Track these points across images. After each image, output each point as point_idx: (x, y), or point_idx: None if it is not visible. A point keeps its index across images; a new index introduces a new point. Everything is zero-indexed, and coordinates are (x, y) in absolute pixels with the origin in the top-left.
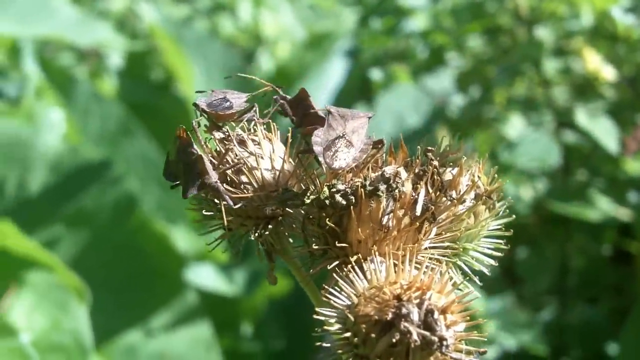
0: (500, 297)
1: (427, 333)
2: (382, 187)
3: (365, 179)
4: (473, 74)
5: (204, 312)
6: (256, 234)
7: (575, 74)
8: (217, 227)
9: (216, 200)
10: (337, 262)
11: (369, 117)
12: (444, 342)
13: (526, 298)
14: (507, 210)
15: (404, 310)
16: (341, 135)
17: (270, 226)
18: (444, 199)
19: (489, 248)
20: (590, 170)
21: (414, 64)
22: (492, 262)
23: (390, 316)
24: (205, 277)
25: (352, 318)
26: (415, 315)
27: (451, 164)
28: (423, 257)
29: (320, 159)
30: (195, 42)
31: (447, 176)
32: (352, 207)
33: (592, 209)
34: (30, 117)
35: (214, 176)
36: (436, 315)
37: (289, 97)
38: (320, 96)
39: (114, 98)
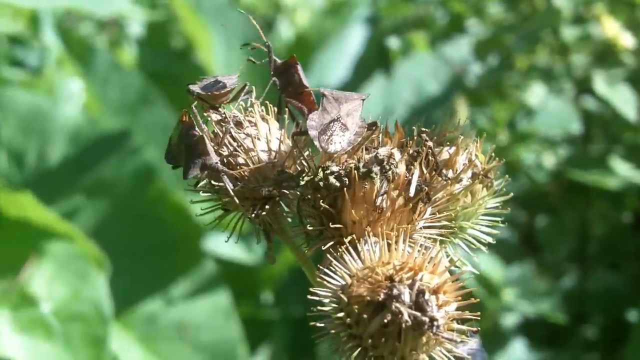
0: (520, 265)
1: (418, 314)
2: (376, 168)
3: (359, 161)
4: (492, 41)
5: (223, 280)
6: (253, 214)
7: (594, 40)
8: (216, 207)
9: (213, 182)
10: (332, 243)
11: (363, 100)
12: (435, 323)
13: (546, 265)
14: (504, 189)
15: (395, 291)
16: (336, 118)
17: (267, 207)
18: (439, 179)
19: (486, 226)
20: (611, 138)
21: (432, 31)
22: (490, 239)
23: (382, 297)
24: (224, 246)
25: (345, 299)
26: (406, 296)
27: (449, 143)
28: (419, 236)
29: (316, 142)
30: (214, 10)
31: (444, 155)
32: (345, 188)
33: (612, 176)
34: (50, 89)
35: (214, 157)
36: (427, 295)
37: (278, 60)
38: (339, 64)
39: (134, 67)
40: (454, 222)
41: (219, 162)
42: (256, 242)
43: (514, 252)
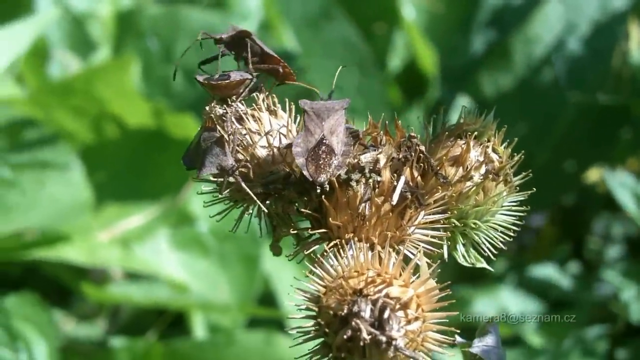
0: None
1: (377, 332)
2: (356, 176)
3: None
4: None
5: None
6: (255, 209)
7: None
8: (223, 199)
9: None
10: (317, 246)
11: (345, 108)
12: (393, 342)
13: None
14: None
15: (355, 308)
16: (320, 139)
17: (267, 202)
18: (437, 180)
19: (498, 224)
20: None
21: None
22: (508, 236)
23: (345, 312)
24: None
25: (316, 309)
26: (367, 313)
27: (469, 135)
28: (411, 243)
29: (305, 172)
30: None
31: (457, 151)
32: (326, 195)
33: None
34: (225, 6)
35: (231, 160)
36: (387, 314)
37: (224, 35)
38: None
39: None
40: (462, 221)
41: (235, 165)
42: (259, 235)
43: None
